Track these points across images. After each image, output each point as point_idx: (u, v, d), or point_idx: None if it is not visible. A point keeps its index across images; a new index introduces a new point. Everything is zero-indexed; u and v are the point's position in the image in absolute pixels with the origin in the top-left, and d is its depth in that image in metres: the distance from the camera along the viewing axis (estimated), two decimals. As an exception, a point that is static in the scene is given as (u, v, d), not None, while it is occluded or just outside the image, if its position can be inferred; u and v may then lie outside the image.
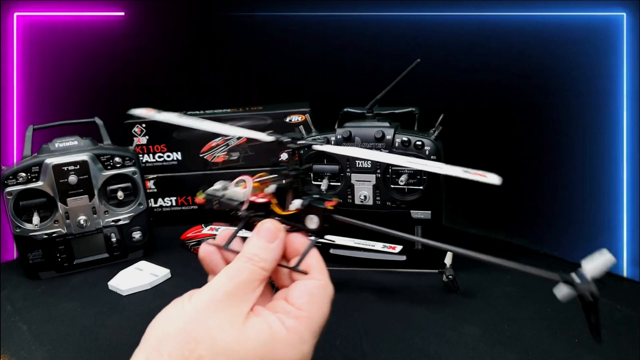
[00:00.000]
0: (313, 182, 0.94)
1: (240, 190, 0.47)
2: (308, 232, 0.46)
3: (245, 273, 0.42)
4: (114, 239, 1.01)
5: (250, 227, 0.61)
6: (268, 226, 0.45)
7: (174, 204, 1.22)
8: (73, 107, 1.50)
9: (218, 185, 0.48)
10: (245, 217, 0.46)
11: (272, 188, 0.47)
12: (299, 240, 0.47)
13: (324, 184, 0.92)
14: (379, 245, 0.83)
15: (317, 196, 0.47)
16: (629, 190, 1.18)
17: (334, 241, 0.88)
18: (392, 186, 0.89)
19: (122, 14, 1.56)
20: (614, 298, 0.79)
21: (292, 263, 0.46)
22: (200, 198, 0.49)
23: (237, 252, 0.45)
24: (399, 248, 0.83)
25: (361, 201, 0.90)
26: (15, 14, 1.46)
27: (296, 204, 0.46)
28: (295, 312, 0.42)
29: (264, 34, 1.59)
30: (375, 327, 0.75)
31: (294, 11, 1.51)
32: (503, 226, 1.30)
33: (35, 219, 0.94)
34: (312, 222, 0.46)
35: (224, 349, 0.38)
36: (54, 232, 0.96)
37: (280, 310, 0.42)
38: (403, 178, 0.87)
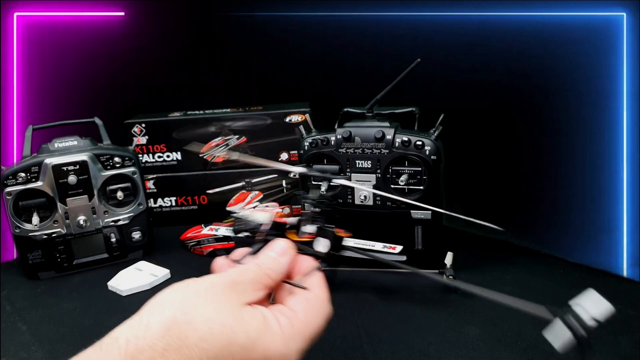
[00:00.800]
0: (313, 183, 0.94)
1: (264, 215, 0.52)
2: (317, 256, 0.49)
3: (251, 273, 0.45)
4: (113, 239, 1.01)
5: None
6: (281, 243, 0.48)
7: (173, 204, 1.22)
8: (73, 107, 1.50)
9: (245, 211, 0.54)
10: (264, 238, 0.50)
11: (293, 220, 0.51)
12: (307, 263, 0.49)
13: (324, 184, 0.91)
14: (379, 245, 0.83)
15: (332, 226, 0.51)
16: (629, 190, 1.18)
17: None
18: (392, 186, 0.89)
19: (122, 14, 1.56)
20: (614, 298, 0.79)
21: (296, 280, 0.48)
22: (230, 221, 0.54)
23: None
24: (399, 248, 0.82)
25: (361, 201, 0.90)
26: (15, 14, 1.46)
27: (310, 228, 0.51)
28: (290, 313, 0.44)
29: (264, 34, 1.59)
30: (375, 327, 0.75)
31: (294, 11, 1.51)
32: (503, 226, 1.30)
33: (35, 219, 0.94)
34: (321, 245, 0.50)
35: (218, 322, 0.39)
36: (53, 232, 0.96)
37: (275, 310, 0.44)
38: (403, 178, 0.87)
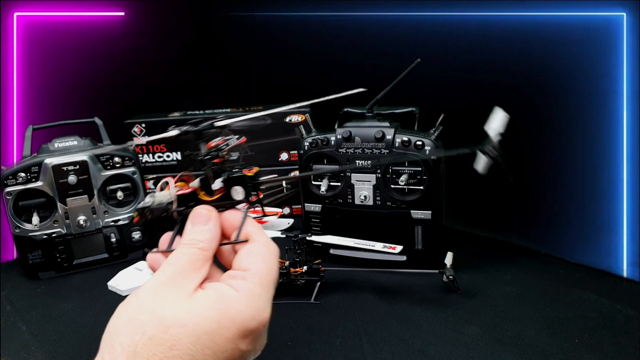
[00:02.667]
0: (313, 182, 0.94)
1: (165, 192, 0.48)
2: (238, 204, 0.47)
3: (185, 256, 0.43)
4: (113, 239, 1.01)
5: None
6: (199, 211, 0.46)
7: (173, 204, 1.22)
8: (73, 107, 1.50)
9: (147, 198, 0.49)
10: (179, 215, 0.47)
11: (196, 182, 0.48)
12: (234, 216, 0.47)
13: (324, 184, 0.91)
14: (379, 246, 0.83)
15: (237, 169, 0.48)
16: (629, 190, 1.18)
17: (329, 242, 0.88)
18: (392, 186, 0.89)
19: (122, 14, 1.56)
20: (614, 298, 0.79)
21: (233, 238, 0.46)
22: (135, 217, 0.49)
23: None
24: (399, 248, 0.82)
25: (361, 201, 0.90)
26: (15, 14, 1.46)
27: (217, 183, 0.48)
28: (241, 273, 0.42)
29: (264, 34, 1.59)
30: (375, 327, 0.75)
31: (294, 11, 1.51)
32: (503, 226, 1.30)
33: (35, 219, 0.94)
34: (238, 193, 0.47)
35: (174, 322, 0.38)
36: (53, 232, 0.96)
37: (226, 278, 0.43)
38: (403, 178, 0.87)
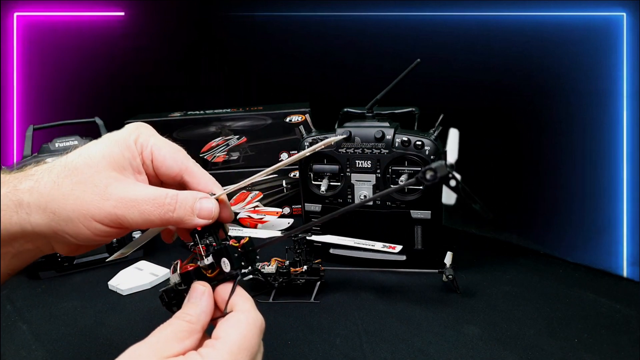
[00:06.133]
0: (313, 182, 0.94)
1: (175, 275, 0.52)
2: (228, 276, 0.48)
3: (170, 327, 0.44)
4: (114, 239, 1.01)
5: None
6: (195, 286, 0.48)
7: (174, 203, 1.22)
8: (73, 107, 1.50)
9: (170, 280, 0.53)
10: (187, 288, 0.50)
11: (206, 261, 0.49)
12: (226, 288, 0.48)
13: (324, 184, 0.92)
14: (378, 245, 0.83)
15: (225, 243, 0.49)
16: (629, 190, 1.19)
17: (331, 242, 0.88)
18: (392, 186, 0.89)
19: (122, 14, 1.56)
20: (613, 298, 0.79)
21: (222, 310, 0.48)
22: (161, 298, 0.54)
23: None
24: (398, 248, 0.82)
25: (361, 201, 0.90)
26: (15, 14, 1.46)
27: (205, 261, 0.49)
28: (212, 341, 0.44)
29: (264, 34, 1.59)
30: (375, 327, 0.75)
31: (294, 11, 1.51)
32: (503, 226, 1.30)
33: (35, 218, 0.94)
34: (226, 265, 0.48)
35: None
36: (54, 232, 0.96)
37: (202, 345, 0.44)
38: (403, 178, 0.87)
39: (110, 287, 0.91)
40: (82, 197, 0.43)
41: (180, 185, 0.50)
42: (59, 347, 0.74)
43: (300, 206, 0.98)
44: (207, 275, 0.49)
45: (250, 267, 0.56)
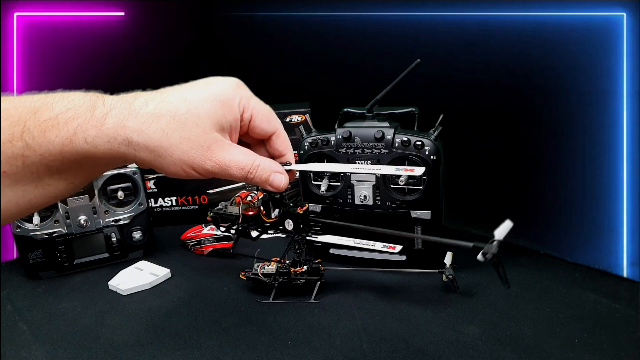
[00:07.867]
0: (313, 182, 0.94)
1: (236, 208, 0.68)
2: (287, 233, 0.67)
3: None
4: (114, 239, 1.01)
5: (246, 234, 0.79)
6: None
7: (174, 203, 1.22)
8: (73, 107, 1.50)
9: (220, 205, 0.70)
10: (241, 229, 0.69)
11: (259, 202, 0.68)
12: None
13: (323, 184, 0.92)
14: (378, 245, 0.83)
15: (292, 206, 0.67)
16: (629, 190, 1.19)
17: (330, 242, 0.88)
18: (392, 186, 0.89)
19: (122, 14, 1.56)
20: (614, 298, 0.79)
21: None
22: (209, 216, 0.72)
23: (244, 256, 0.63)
24: (398, 248, 0.82)
25: (361, 201, 0.90)
26: (15, 14, 1.46)
27: (275, 212, 0.68)
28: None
29: (264, 34, 1.59)
30: (375, 326, 0.75)
31: (294, 11, 1.51)
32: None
33: (36, 218, 0.94)
34: (289, 224, 0.64)
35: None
36: (54, 232, 0.96)
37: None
38: (403, 178, 0.87)
39: (110, 287, 0.91)
40: (188, 152, 0.49)
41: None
42: (59, 347, 0.74)
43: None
44: (265, 220, 0.65)
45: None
